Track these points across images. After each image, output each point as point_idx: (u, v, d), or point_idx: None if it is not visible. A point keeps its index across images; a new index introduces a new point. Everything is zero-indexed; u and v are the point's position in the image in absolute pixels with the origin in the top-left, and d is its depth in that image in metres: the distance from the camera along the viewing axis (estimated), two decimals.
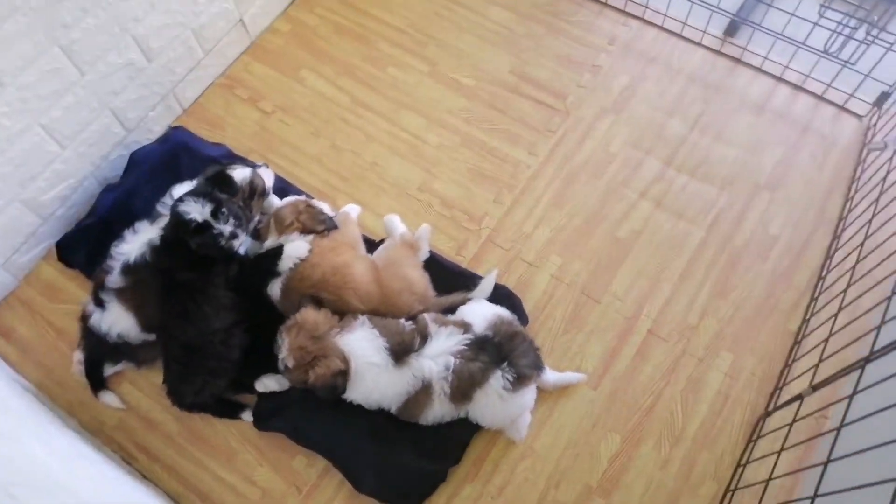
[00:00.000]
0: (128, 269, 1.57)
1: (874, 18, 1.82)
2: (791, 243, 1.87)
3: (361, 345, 1.50)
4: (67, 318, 1.79)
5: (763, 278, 1.83)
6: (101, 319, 1.60)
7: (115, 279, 1.58)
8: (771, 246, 1.87)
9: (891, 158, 1.71)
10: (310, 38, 2.27)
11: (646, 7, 2.24)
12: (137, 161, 1.96)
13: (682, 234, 1.90)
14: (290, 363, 1.49)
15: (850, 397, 1.25)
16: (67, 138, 1.82)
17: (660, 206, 1.94)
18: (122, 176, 1.96)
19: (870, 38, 1.84)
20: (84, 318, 1.65)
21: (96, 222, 1.86)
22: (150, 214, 1.67)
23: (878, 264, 1.56)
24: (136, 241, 1.59)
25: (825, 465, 1.19)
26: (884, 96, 1.97)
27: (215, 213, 1.51)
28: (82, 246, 1.86)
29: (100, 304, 1.60)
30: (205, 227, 1.50)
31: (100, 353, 1.67)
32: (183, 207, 1.50)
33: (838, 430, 1.20)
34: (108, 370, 1.70)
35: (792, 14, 1.94)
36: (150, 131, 2.07)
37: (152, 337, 1.64)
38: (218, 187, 1.58)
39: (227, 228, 1.52)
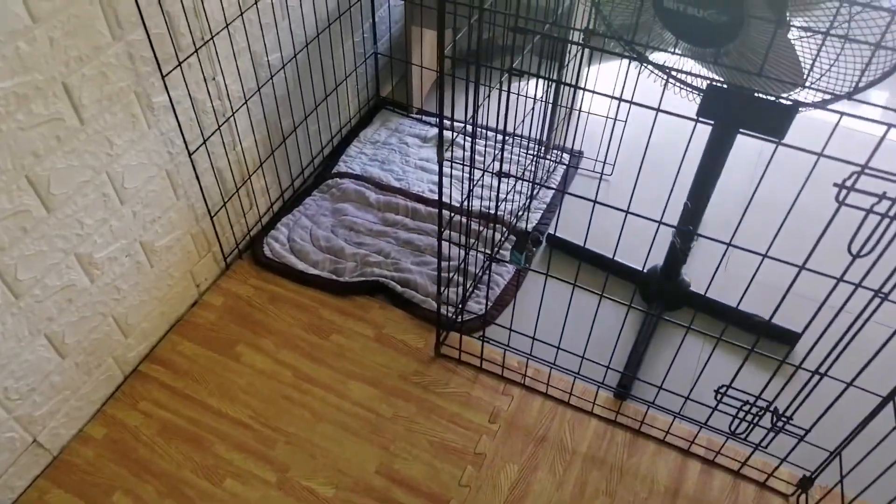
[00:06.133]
0: None
1: (776, 408, 1.60)
2: None
3: None
4: None
5: None
6: None
7: None
8: None
9: None
10: (128, 447, 1.84)
11: (524, 375, 1.99)
12: None
13: None
14: None
15: None
16: None
17: None
18: None
19: (777, 426, 1.61)
20: None
21: None
22: None
23: None
24: None
25: None
26: (807, 481, 1.70)
27: None
28: None
29: None
30: None
31: None
32: None
33: None
34: None
35: (686, 398, 1.71)
36: None
37: None
38: None
39: None
